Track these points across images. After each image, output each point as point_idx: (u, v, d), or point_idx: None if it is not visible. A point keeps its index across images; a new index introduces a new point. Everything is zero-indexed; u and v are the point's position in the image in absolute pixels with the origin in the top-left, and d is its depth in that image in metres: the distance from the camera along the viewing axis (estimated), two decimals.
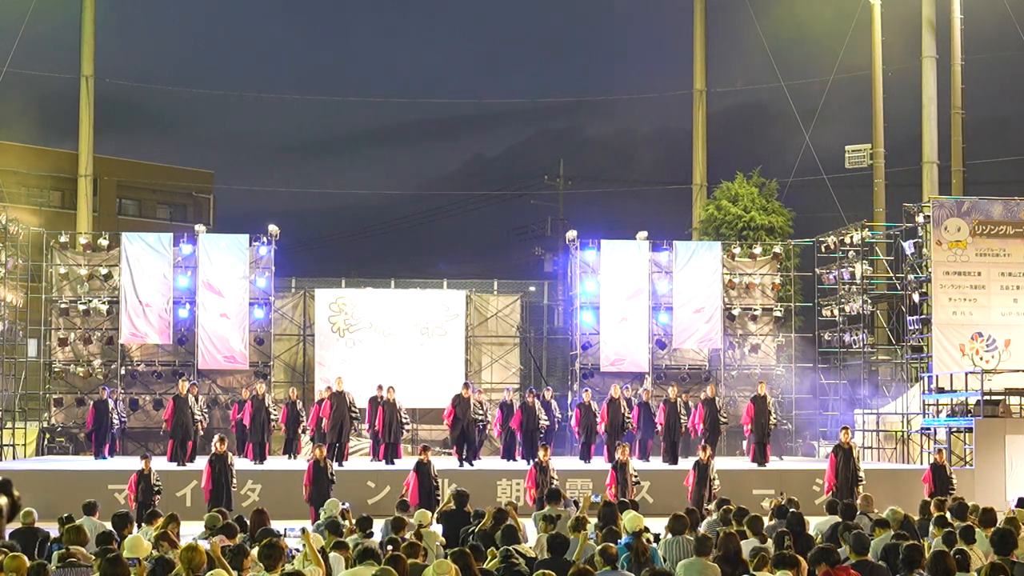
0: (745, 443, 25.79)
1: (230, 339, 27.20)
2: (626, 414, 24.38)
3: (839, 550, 10.07)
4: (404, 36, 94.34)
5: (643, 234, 28.58)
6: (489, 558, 10.50)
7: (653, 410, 25.03)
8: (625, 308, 28.07)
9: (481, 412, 24.20)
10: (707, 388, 25.46)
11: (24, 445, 26.82)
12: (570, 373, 28.82)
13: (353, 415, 23.94)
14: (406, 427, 24.89)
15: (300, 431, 25.12)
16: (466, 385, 24.53)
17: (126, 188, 46.68)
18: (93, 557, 10.00)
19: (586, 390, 25.52)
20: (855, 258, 28.10)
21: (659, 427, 24.64)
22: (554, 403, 26.19)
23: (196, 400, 23.96)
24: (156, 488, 18.80)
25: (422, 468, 19.33)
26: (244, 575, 9.16)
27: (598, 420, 24.53)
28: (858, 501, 15.14)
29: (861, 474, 20.37)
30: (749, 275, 28.95)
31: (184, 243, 27.61)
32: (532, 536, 13.45)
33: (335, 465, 21.27)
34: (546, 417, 24.80)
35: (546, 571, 8.89)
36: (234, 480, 19.49)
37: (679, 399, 24.96)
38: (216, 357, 27.17)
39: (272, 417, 24.37)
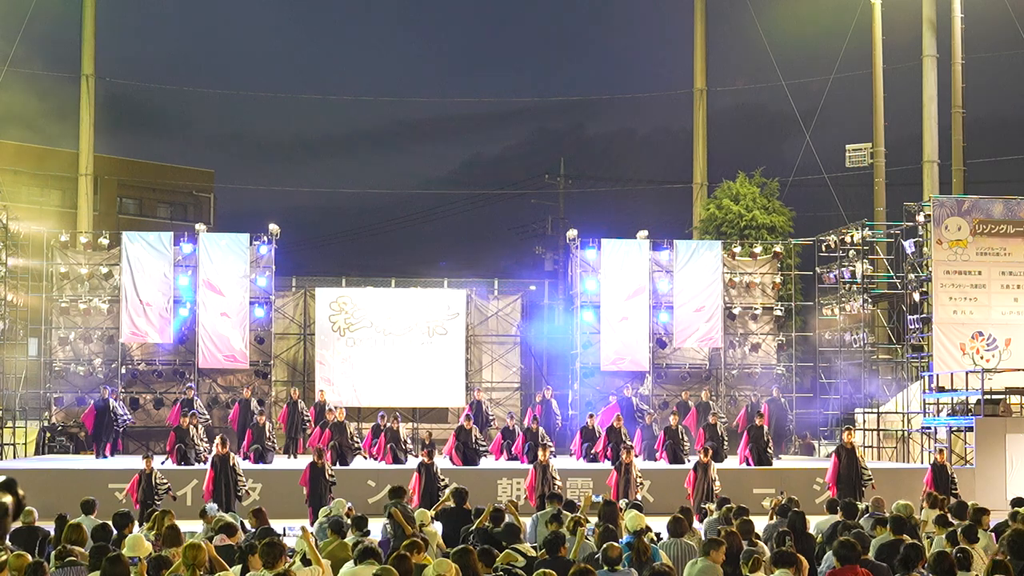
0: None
1: (231, 338, 27.20)
2: (627, 441, 23.20)
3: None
4: (404, 36, 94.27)
5: (643, 233, 28.59)
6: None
7: (655, 433, 24.58)
8: (625, 307, 28.06)
9: (484, 444, 23.98)
10: (710, 416, 24.76)
11: (24, 444, 26.82)
12: (570, 372, 28.81)
13: (355, 445, 23.53)
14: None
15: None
16: (468, 417, 24.02)
17: (126, 187, 46.64)
18: (86, 555, 9.97)
19: (590, 414, 25.13)
20: (856, 257, 28.10)
21: (659, 453, 24.25)
22: (554, 402, 26.21)
23: (196, 429, 22.99)
24: (163, 487, 18.79)
25: (425, 468, 19.35)
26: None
27: (599, 445, 23.79)
28: (868, 503, 15.05)
29: (868, 474, 20.33)
30: (750, 274, 28.95)
31: (184, 242, 27.61)
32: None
33: (336, 465, 21.27)
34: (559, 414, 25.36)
35: (546, 571, 8.88)
36: (240, 480, 19.46)
37: (680, 427, 24.15)
38: (216, 356, 27.17)
39: (255, 420, 23.95)
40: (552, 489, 18.55)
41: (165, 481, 19.00)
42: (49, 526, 12.56)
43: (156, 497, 18.49)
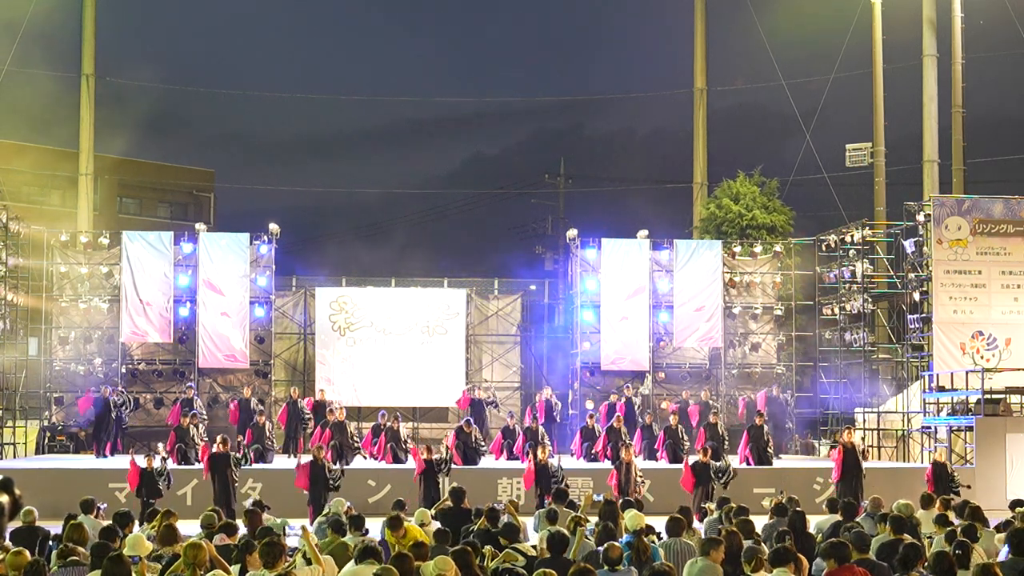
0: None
1: (231, 338, 27.20)
2: (626, 440, 23.07)
3: None
4: (403, 35, 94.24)
5: (644, 233, 28.58)
6: (487, 556, 10.49)
7: (655, 432, 24.56)
8: (626, 307, 28.06)
9: (483, 445, 23.91)
10: (710, 415, 24.62)
11: (24, 444, 26.82)
12: (571, 372, 28.80)
13: (355, 443, 23.42)
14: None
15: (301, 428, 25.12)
16: (468, 422, 23.60)
17: (127, 187, 46.60)
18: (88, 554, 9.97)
19: (590, 414, 25.11)
20: (856, 257, 28.09)
21: (659, 452, 24.22)
22: (554, 401, 26.19)
23: (196, 428, 23.06)
24: (162, 477, 18.83)
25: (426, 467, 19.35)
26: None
27: (599, 445, 23.74)
28: (867, 502, 15.06)
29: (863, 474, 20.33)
30: (750, 274, 28.95)
31: (185, 242, 27.61)
32: (532, 534, 13.46)
33: (336, 464, 21.25)
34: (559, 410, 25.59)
35: (546, 570, 8.88)
36: (237, 480, 19.48)
37: (679, 427, 24.16)
38: (216, 356, 27.17)
39: (255, 420, 23.94)
40: (556, 486, 18.45)
41: (166, 469, 19.03)
42: (49, 525, 12.58)
43: (159, 485, 18.61)
